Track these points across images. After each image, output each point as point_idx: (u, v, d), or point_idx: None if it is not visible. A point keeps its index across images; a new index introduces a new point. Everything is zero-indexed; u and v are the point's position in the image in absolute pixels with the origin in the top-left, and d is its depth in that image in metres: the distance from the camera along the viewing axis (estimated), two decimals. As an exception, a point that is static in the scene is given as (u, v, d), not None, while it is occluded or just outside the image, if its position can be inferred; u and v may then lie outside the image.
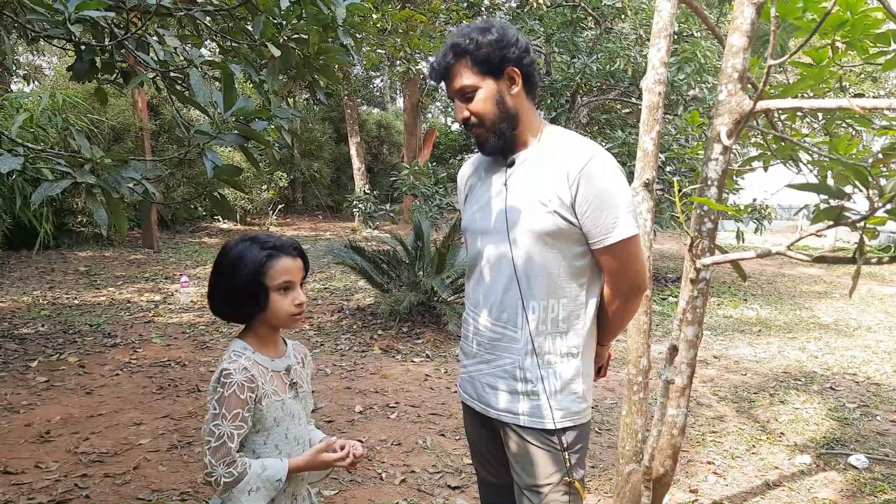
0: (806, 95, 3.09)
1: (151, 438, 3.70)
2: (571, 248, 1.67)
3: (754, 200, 7.48)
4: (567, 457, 1.69)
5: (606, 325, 1.79)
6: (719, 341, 6.16)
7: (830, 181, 2.02)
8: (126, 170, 1.97)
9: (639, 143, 2.79)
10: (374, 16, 7.44)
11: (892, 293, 8.87)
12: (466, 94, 1.68)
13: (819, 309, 7.78)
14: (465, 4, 8.97)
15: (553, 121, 9.63)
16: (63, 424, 3.87)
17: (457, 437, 3.79)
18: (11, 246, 9.20)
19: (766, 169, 3.21)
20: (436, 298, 5.88)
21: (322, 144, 16.71)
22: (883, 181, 1.61)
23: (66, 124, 5.28)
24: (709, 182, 2.52)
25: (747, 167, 3.32)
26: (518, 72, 1.68)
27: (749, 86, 2.95)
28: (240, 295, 1.51)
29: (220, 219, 14.45)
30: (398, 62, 8.76)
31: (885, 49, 2.29)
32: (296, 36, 3.30)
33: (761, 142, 2.97)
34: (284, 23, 2.88)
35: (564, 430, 1.69)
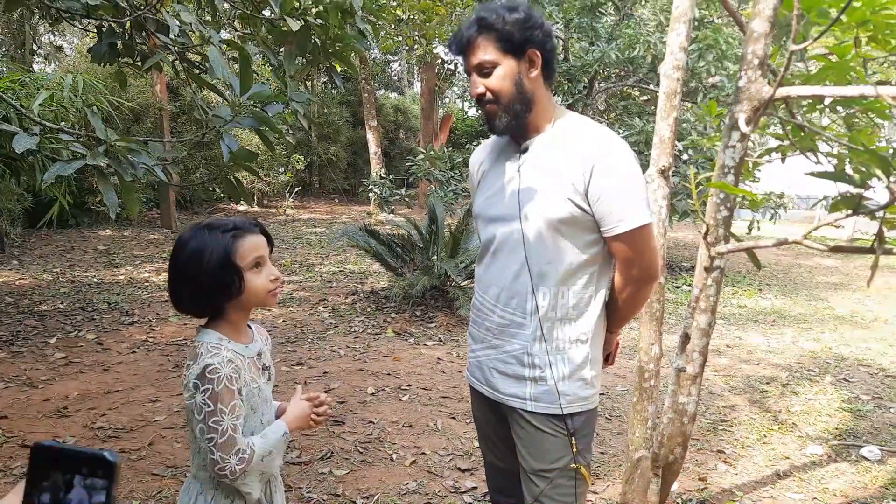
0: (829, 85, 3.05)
1: (167, 415, 3.76)
2: (584, 236, 1.67)
3: (769, 193, 7.40)
4: (574, 442, 1.70)
5: (616, 313, 1.79)
6: (733, 331, 6.13)
7: (850, 172, 2.00)
8: (139, 155, 1.99)
9: (655, 129, 2.77)
10: (393, 3, 7.42)
11: (910, 286, 8.77)
12: (485, 70, 1.66)
13: (835, 300, 7.71)
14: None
15: (570, 107, 9.57)
16: (80, 400, 3.94)
17: (467, 421, 3.81)
18: (33, 224, 9.31)
19: (783, 160, 3.18)
20: (449, 283, 5.90)
21: (339, 128, 16.71)
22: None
23: (85, 105, 5.31)
24: (725, 170, 2.49)
25: (765, 157, 3.30)
26: (539, 55, 1.67)
27: (770, 74, 2.92)
28: (213, 283, 1.43)
29: (238, 201, 14.52)
30: (416, 46, 8.74)
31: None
32: (316, 21, 3.31)
33: (780, 132, 2.94)
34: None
35: (572, 415, 1.70)
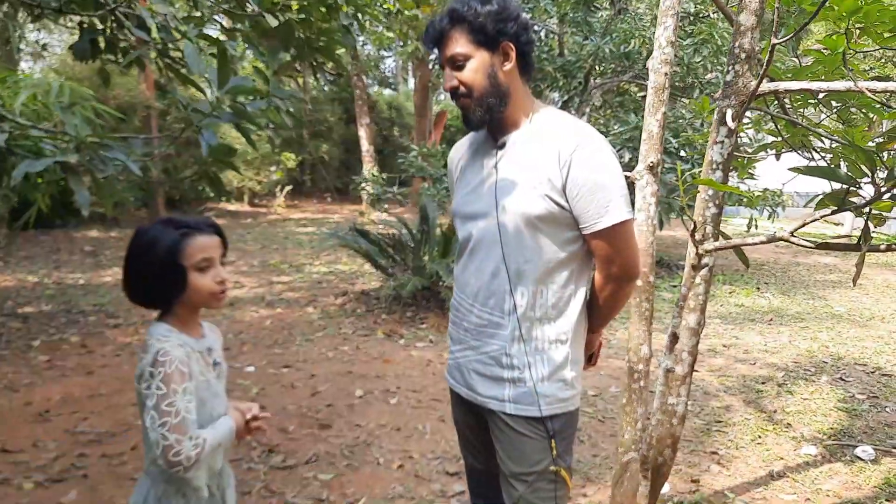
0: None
1: (149, 420, 3.68)
2: (562, 233, 1.62)
3: (765, 190, 7.34)
4: (554, 445, 1.64)
5: (597, 312, 1.74)
6: (730, 330, 6.07)
7: (844, 169, 1.94)
8: (111, 150, 1.92)
9: (644, 125, 2.71)
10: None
11: (907, 282, 8.73)
12: (457, 63, 1.62)
13: (833, 298, 7.66)
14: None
15: (566, 103, 9.51)
16: (63, 404, 3.87)
17: (456, 423, 3.75)
18: (25, 227, 9.21)
19: (777, 157, 3.12)
20: (441, 283, 5.82)
21: (331, 126, 16.63)
22: None
23: (58, 102, 5.22)
24: (714, 166, 2.43)
25: (761, 154, 3.24)
26: (513, 47, 1.62)
27: (760, 68, 2.85)
28: (157, 277, 1.46)
29: (228, 199, 14.44)
30: (408, 41, 8.66)
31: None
32: (299, 17, 3.24)
33: (774, 129, 2.88)
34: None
35: (551, 417, 1.64)
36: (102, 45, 3.20)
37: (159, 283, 1.46)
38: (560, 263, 1.63)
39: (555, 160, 1.57)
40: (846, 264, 9.98)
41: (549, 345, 1.65)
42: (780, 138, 2.85)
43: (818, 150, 2.72)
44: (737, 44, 2.39)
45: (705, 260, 2.41)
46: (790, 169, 1.94)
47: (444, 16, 1.63)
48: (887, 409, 4.13)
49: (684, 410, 2.61)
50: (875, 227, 1.72)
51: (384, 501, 2.94)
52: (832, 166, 2.31)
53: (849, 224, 13.04)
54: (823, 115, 3.03)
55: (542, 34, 9.79)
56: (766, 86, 2.26)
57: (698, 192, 2.49)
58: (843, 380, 4.71)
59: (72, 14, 2.82)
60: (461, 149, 1.87)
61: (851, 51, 2.35)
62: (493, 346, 1.67)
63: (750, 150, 3.84)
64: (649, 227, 2.67)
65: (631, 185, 2.74)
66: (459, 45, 1.60)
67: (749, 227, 7.56)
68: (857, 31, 2.29)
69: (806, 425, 3.87)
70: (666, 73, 2.66)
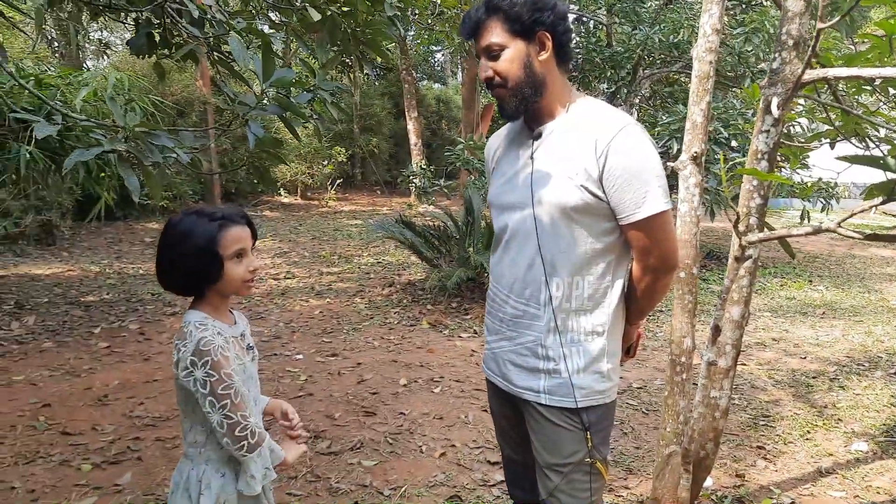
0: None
1: (202, 404, 3.81)
2: (599, 224, 1.61)
3: (818, 180, 7.12)
4: (589, 436, 1.65)
5: (635, 304, 1.73)
6: (780, 323, 5.93)
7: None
8: (157, 138, 2.01)
9: (688, 114, 2.67)
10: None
11: (973, 277, 8.36)
12: (493, 53, 1.62)
13: (889, 291, 7.40)
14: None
15: (614, 94, 9.40)
16: (120, 389, 4.04)
17: (499, 413, 3.78)
18: (82, 217, 9.59)
19: (832, 146, 3.04)
20: (485, 274, 5.85)
21: (381, 120, 16.77)
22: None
23: (128, 98, 5.43)
24: (759, 155, 2.39)
25: (813, 143, 3.15)
26: (550, 37, 1.62)
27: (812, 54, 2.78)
28: (194, 266, 1.51)
29: (281, 192, 14.72)
30: (454, 39, 8.68)
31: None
32: (344, 8, 3.29)
33: (825, 117, 2.80)
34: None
35: (587, 409, 1.65)
36: (158, 40, 3.32)
37: (196, 271, 1.52)
38: (596, 254, 1.63)
39: (591, 150, 1.57)
40: (907, 257, 9.63)
41: (585, 336, 1.65)
42: (832, 127, 2.77)
43: (874, 138, 2.65)
44: (784, 30, 2.34)
45: (749, 252, 2.38)
46: (837, 158, 1.90)
47: (481, 6, 1.63)
48: (946, 407, 4.00)
49: (727, 404, 2.58)
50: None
51: (426, 489, 2.99)
52: (888, 155, 2.24)
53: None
54: (882, 103, 2.94)
55: (591, 25, 9.69)
56: (813, 73, 2.21)
57: (742, 182, 2.45)
58: (899, 376, 4.56)
59: (123, 10, 2.92)
60: (498, 139, 1.88)
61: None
62: (528, 337, 1.68)
63: (803, 140, 3.74)
64: (693, 217, 2.64)
65: (675, 175, 2.72)
66: (495, 34, 1.61)
67: (802, 219, 7.35)
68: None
69: (857, 421, 3.77)
70: (710, 62, 2.62)
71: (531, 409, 1.70)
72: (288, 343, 5.07)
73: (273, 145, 2.76)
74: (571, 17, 10.09)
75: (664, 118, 7.68)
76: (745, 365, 4.74)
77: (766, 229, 2.40)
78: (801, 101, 3.40)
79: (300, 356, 4.75)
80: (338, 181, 15.39)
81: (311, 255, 8.82)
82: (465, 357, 4.81)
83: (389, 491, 2.96)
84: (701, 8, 7.87)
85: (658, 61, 9.05)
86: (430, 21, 9.12)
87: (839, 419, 3.80)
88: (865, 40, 2.66)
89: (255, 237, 1.62)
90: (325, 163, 14.85)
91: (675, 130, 7.33)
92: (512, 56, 1.61)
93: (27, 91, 4.73)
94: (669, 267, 1.65)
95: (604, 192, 1.57)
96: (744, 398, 4.12)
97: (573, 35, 2.10)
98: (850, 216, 1.93)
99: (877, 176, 1.74)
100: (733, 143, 7.65)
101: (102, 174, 5.12)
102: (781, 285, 7.51)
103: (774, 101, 2.27)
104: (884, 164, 1.79)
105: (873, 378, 4.50)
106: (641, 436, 3.58)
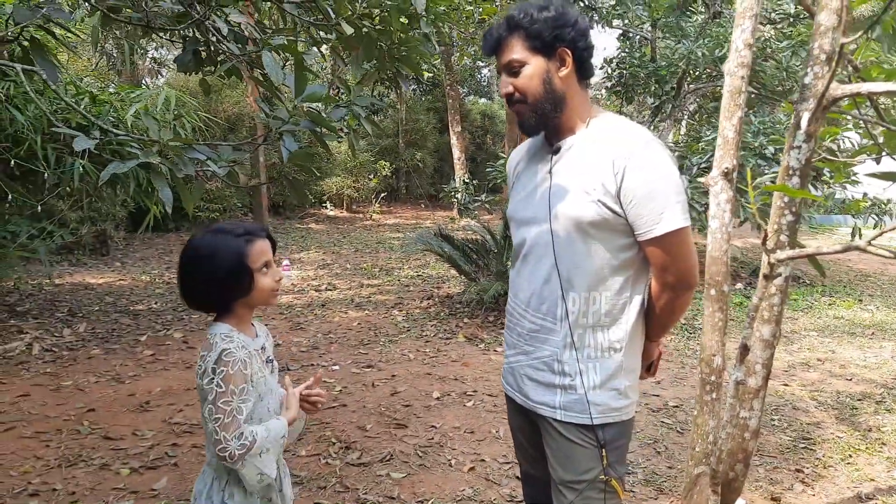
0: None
1: (238, 412, 3.90)
2: (616, 240, 1.62)
3: (864, 196, 6.91)
4: (605, 454, 1.64)
5: (655, 321, 1.72)
6: (826, 343, 5.76)
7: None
8: (191, 152, 2.09)
9: (719, 129, 2.65)
10: (468, 7, 7.46)
11: None
12: (513, 69, 1.65)
13: (948, 313, 7.12)
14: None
15: (657, 108, 9.31)
16: (162, 396, 4.16)
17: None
18: (135, 228, 9.92)
19: (878, 161, 2.96)
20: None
21: (426, 134, 16.92)
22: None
23: (177, 114, 5.63)
24: (790, 171, 2.35)
25: (859, 158, 3.08)
26: (570, 53, 1.63)
27: (852, 69, 2.73)
28: (225, 281, 1.56)
29: (328, 205, 14.96)
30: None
31: None
32: (378, 27, 3.36)
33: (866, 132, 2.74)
34: (359, 1, 2.94)
35: (603, 426, 1.64)
36: (204, 57, 3.45)
37: (227, 286, 1.57)
38: (614, 270, 1.63)
39: (609, 165, 1.57)
40: (967, 277, 9.24)
41: (601, 353, 1.65)
42: (875, 142, 2.71)
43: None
44: (816, 44, 2.31)
45: (780, 270, 2.33)
46: (866, 175, 1.86)
47: (502, 23, 1.66)
48: None
49: (757, 425, 2.53)
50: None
51: (453, 502, 3.00)
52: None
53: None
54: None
55: (636, 40, 9.63)
56: (847, 88, 2.17)
57: (774, 199, 2.41)
58: (952, 401, 4.38)
59: (162, 30, 3.04)
60: (520, 153, 1.90)
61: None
62: (545, 352, 1.69)
63: (846, 155, 3.65)
64: (723, 234, 2.60)
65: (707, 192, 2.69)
66: (515, 51, 1.63)
67: (853, 237, 7.13)
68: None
69: (904, 447, 3.64)
70: (742, 77, 2.59)
71: (547, 425, 1.71)
72: (325, 354, 5.14)
73: (305, 160, 2.84)
74: (617, 32, 10.05)
75: (708, 133, 7.57)
76: (787, 386, 4.62)
77: (797, 247, 2.35)
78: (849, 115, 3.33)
79: (336, 367, 4.81)
80: (382, 194, 15.56)
81: (353, 267, 8.93)
82: (499, 371, 4.77)
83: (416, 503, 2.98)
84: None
85: (703, 76, 8.93)
86: (472, 29, 9.19)
87: (883, 443, 3.67)
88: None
89: (274, 249, 1.68)
90: (371, 176, 15.05)
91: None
92: (532, 72, 1.63)
93: (82, 106, 4.94)
94: (688, 284, 1.64)
95: (621, 207, 1.58)
96: (784, 419, 4.01)
97: (594, 51, 2.08)
98: (881, 234, 1.88)
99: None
100: (779, 159, 7.50)
101: (151, 187, 5.31)
102: (830, 304, 7.29)
103: (805, 117, 2.24)
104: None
105: (923, 402, 4.34)
106: (675, 455, 3.52)
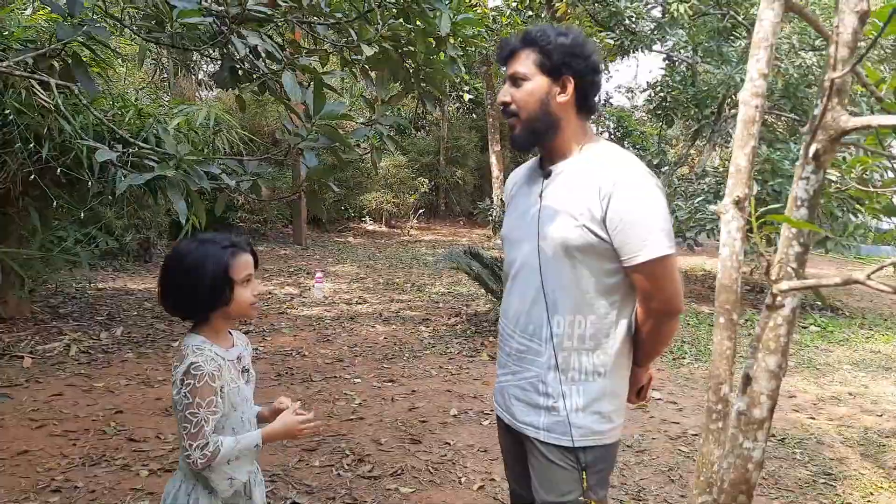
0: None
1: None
2: (602, 265, 1.65)
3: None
4: (585, 477, 1.66)
5: (641, 347, 1.74)
6: (859, 377, 5.60)
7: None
8: (205, 165, 2.18)
9: (732, 158, 2.64)
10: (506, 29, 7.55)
11: None
12: (516, 81, 1.70)
13: None
14: (603, 15, 8.79)
15: (696, 132, 9.23)
16: (187, 400, 4.27)
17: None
18: (177, 236, 10.20)
19: (906, 191, 2.92)
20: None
21: (467, 152, 17.02)
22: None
23: (216, 129, 5.82)
24: (798, 202, 2.33)
25: (890, 188, 3.03)
26: (573, 82, 1.68)
27: (874, 99, 2.71)
28: (207, 290, 1.61)
29: (367, 220, 15.15)
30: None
31: None
32: (400, 49, 3.45)
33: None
34: (380, 24, 3.02)
35: (584, 448, 1.66)
36: (241, 74, 3.58)
37: (209, 295, 1.62)
38: (599, 294, 1.66)
39: (596, 191, 1.61)
40: None
41: (585, 376, 1.68)
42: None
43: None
44: (826, 76, 2.30)
45: (784, 300, 2.31)
46: (866, 209, 1.85)
47: (519, 36, 1.73)
48: None
49: (761, 456, 2.49)
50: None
51: (459, 519, 3.02)
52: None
53: None
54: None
55: (677, 64, 9.59)
56: (855, 121, 2.14)
57: (782, 230, 2.40)
58: None
59: (190, 50, 3.17)
60: (517, 175, 1.95)
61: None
62: (530, 373, 1.72)
63: (877, 185, 3.58)
64: (734, 262, 2.58)
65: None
66: (523, 64, 1.69)
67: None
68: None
69: (930, 488, 3.53)
70: (756, 106, 2.56)
71: (531, 446, 1.74)
72: (349, 366, 5.22)
73: (324, 174, 2.92)
74: (661, 56, 10.00)
75: (746, 159, 7.47)
76: (814, 419, 4.52)
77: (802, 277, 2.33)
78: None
79: (358, 380, 4.88)
80: (420, 211, 15.68)
81: (386, 281, 9.02)
82: (519, 391, 4.80)
83: (422, 518, 3.01)
84: (787, 49, 7.64)
85: (745, 100, 8.82)
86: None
87: (907, 483, 3.56)
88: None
89: (256, 264, 1.74)
90: (412, 192, 15.21)
91: (756, 172, 7.12)
92: (532, 89, 1.68)
93: (127, 118, 5.15)
94: (672, 311, 1.66)
95: (607, 233, 1.61)
96: (807, 453, 3.93)
97: (599, 88, 2.13)
98: (881, 268, 1.86)
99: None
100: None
101: (189, 199, 5.49)
102: (868, 337, 7.09)
103: (812, 149, 2.23)
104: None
105: (956, 442, 4.19)
106: (689, 485, 3.47)
